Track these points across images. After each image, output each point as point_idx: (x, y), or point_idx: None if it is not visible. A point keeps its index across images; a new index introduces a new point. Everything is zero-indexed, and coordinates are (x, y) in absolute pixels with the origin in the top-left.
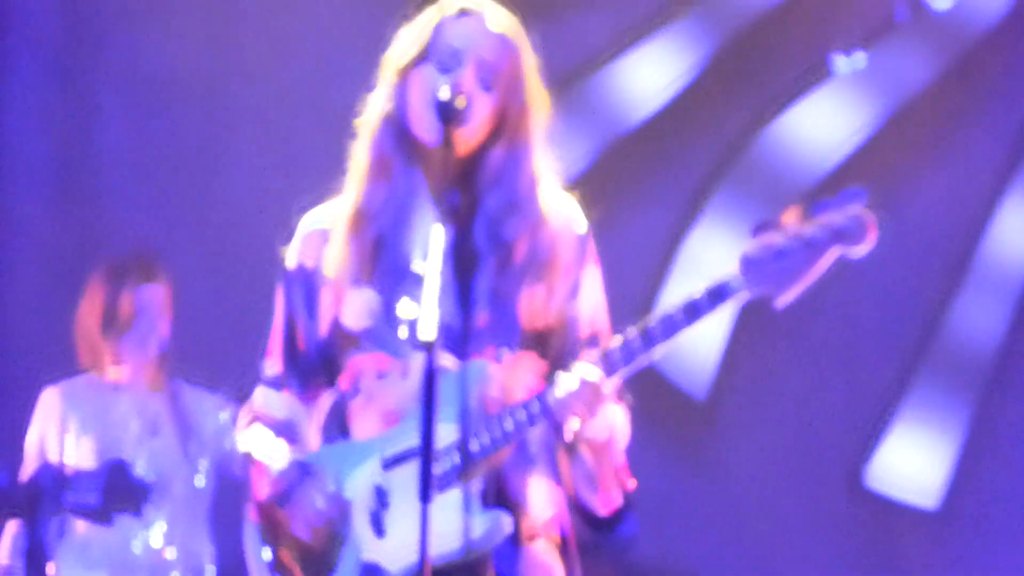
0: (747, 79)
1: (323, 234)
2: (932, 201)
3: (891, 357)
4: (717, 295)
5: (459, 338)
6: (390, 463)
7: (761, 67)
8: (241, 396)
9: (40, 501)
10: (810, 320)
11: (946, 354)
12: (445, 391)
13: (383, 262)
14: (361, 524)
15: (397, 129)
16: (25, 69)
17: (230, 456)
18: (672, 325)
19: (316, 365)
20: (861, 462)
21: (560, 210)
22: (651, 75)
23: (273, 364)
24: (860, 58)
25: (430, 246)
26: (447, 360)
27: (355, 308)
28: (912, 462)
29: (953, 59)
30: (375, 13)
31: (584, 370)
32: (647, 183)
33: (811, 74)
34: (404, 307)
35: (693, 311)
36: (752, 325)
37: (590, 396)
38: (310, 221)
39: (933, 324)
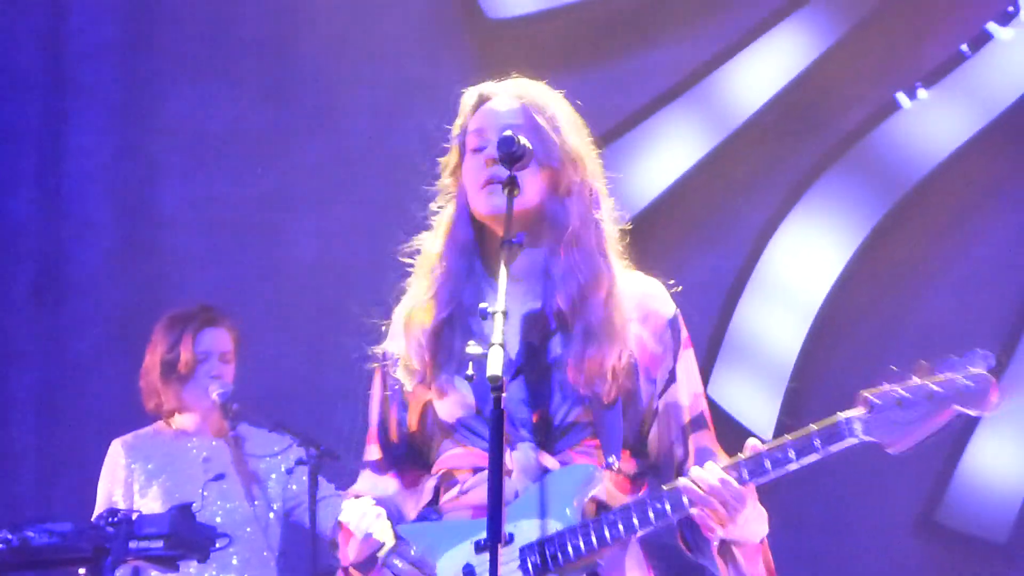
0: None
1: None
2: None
3: None
4: (831, 436)
5: (544, 432)
6: (482, 547)
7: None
8: (305, 441)
9: (106, 549)
10: (881, 353)
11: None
12: (556, 487)
13: (441, 348)
14: None
15: (456, 223)
16: (86, 126)
17: (295, 500)
18: (783, 460)
19: (408, 455)
20: (934, 497)
21: (642, 291)
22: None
23: (373, 450)
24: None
25: (498, 286)
26: (549, 461)
27: (449, 401)
28: (983, 496)
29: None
30: (434, 64)
31: (719, 471)
32: (715, 219)
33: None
34: (471, 347)
35: (805, 449)
36: (815, 362)
37: (729, 497)
38: (398, 312)
39: (1009, 345)
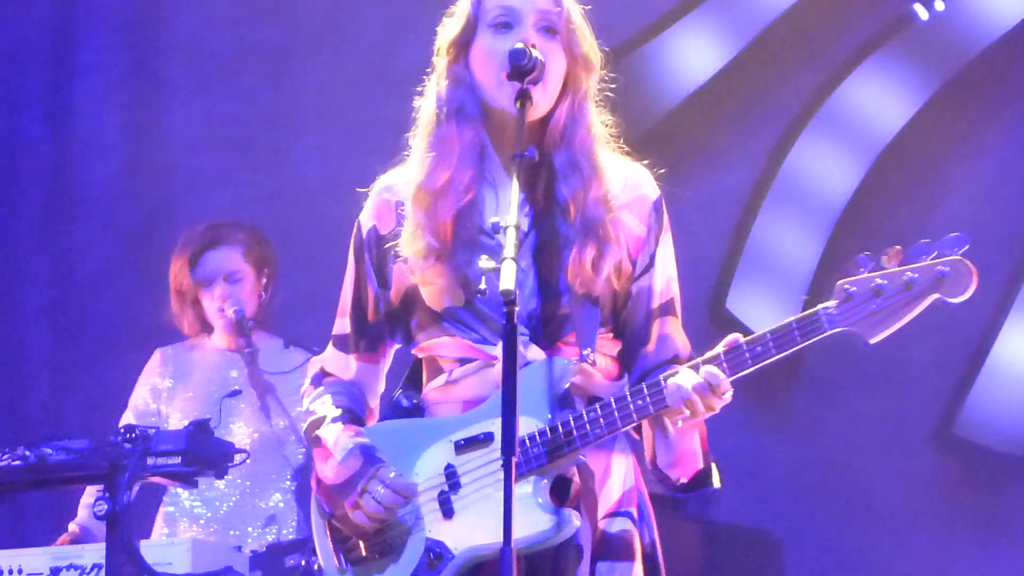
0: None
1: (398, 205)
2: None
3: (978, 308)
4: (810, 329)
5: (541, 325)
6: (463, 446)
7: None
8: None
9: (123, 466)
10: None
11: None
12: (529, 383)
13: (461, 237)
14: (428, 504)
15: (461, 105)
16: (94, 47)
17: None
18: (763, 353)
19: (385, 331)
20: (951, 411)
21: (628, 175)
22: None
23: (342, 324)
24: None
25: (510, 202)
26: (534, 351)
27: (439, 288)
28: (1002, 409)
29: None
30: None
31: (709, 370)
32: (717, 144)
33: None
34: (484, 262)
35: (785, 342)
36: (831, 277)
37: (711, 396)
38: (383, 188)
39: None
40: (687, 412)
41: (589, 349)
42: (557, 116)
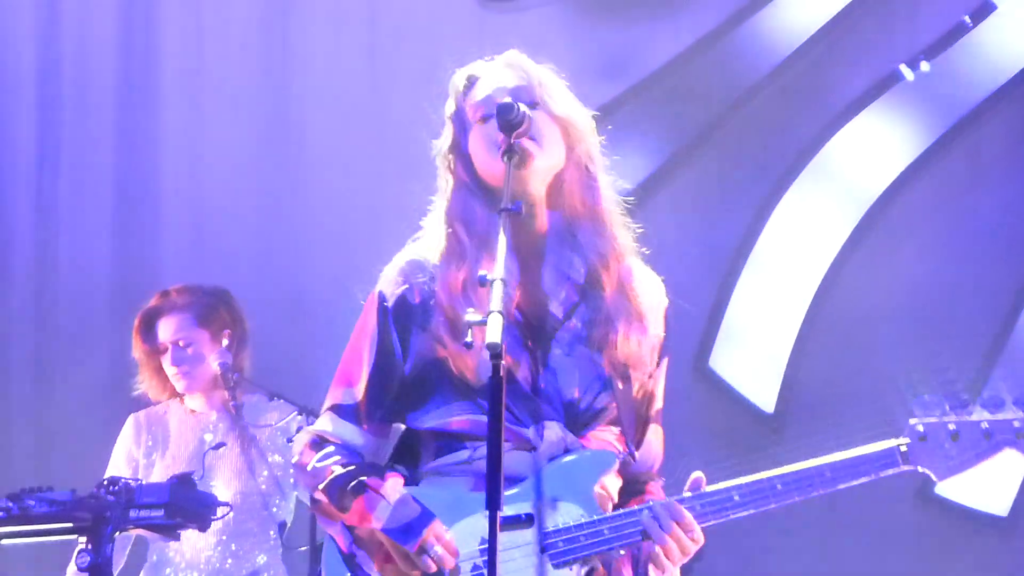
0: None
1: (431, 278)
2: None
3: (963, 361)
4: (885, 462)
5: (578, 413)
6: (503, 522)
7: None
8: (305, 411)
9: (106, 518)
10: (875, 327)
11: (1013, 361)
12: (578, 471)
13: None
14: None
15: (465, 198)
16: (81, 99)
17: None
18: (809, 483)
19: (398, 406)
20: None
21: (643, 270)
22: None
23: (352, 394)
24: (925, 67)
25: (497, 254)
26: (572, 441)
27: (476, 364)
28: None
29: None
30: (431, 25)
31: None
32: (715, 193)
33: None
34: (470, 315)
35: (853, 472)
36: (816, 335)
37: (686, 543)
38: (413, 258)
39: (1008, 321)
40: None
41: (634, 446)
42: (570, 185)
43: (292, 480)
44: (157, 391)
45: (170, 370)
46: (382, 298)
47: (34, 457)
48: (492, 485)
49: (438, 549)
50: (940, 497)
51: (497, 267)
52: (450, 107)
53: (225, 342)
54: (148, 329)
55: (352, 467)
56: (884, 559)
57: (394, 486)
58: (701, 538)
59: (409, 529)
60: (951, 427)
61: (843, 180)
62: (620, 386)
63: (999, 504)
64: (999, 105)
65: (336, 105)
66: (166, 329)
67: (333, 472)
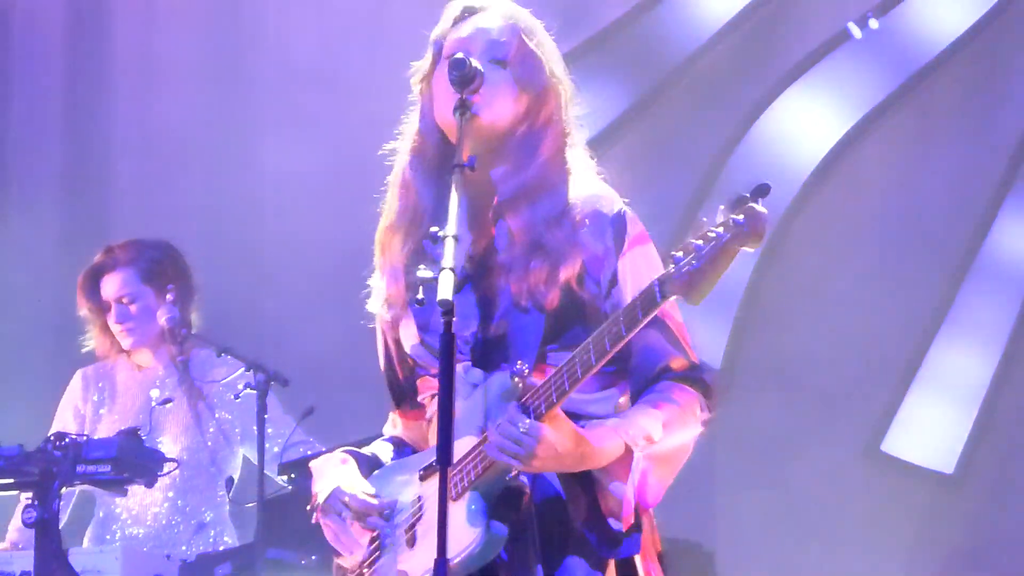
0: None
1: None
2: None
3: (906, 333)
4: (648, 300)
5: (481, 348)
6: (423, 475)
7: (777, 36)
8: (253, 366)
9: (53, 473)
10: (829, 286)
11: (961, 324)
12: (472, 406)
13: (410, 250)
14: (400, 535)
15: (424, 137)
16: (31, 55)
17: (238, 421)
18: (616, 336)
19: (414, 391)
20: (880, 428)
21: (588, 195)
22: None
23: (392, 407)
24: (874, 24)
25: (449, 210)
26: (475, 374)
27: (407, 331)
28: (930, 427)
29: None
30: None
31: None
32: (664, 153)
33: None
34: (422, 271)
35: (632, 323)
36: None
37: (513, 445)
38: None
39: (956, 278)
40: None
41: (522, 362)
42: (511, 143)
43: (239, 437)
44: (105, 347)
45: (115, 327)
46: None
47: None
48: (443, 438)
49: (346, 500)
50: (887, 455)
51: (450, 224)
52: (437, 31)
53: (169, 297)
54: (92, 286)
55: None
56: (833, 518)
57: (326, 461)
58: (537, 433)
59: (320, 504)
60: (693, 242)
61: (792, 136)
62: (519, 306)
63: (944, 461)
64: (949, 61)
65: (288, 55)
66: (110, 286)
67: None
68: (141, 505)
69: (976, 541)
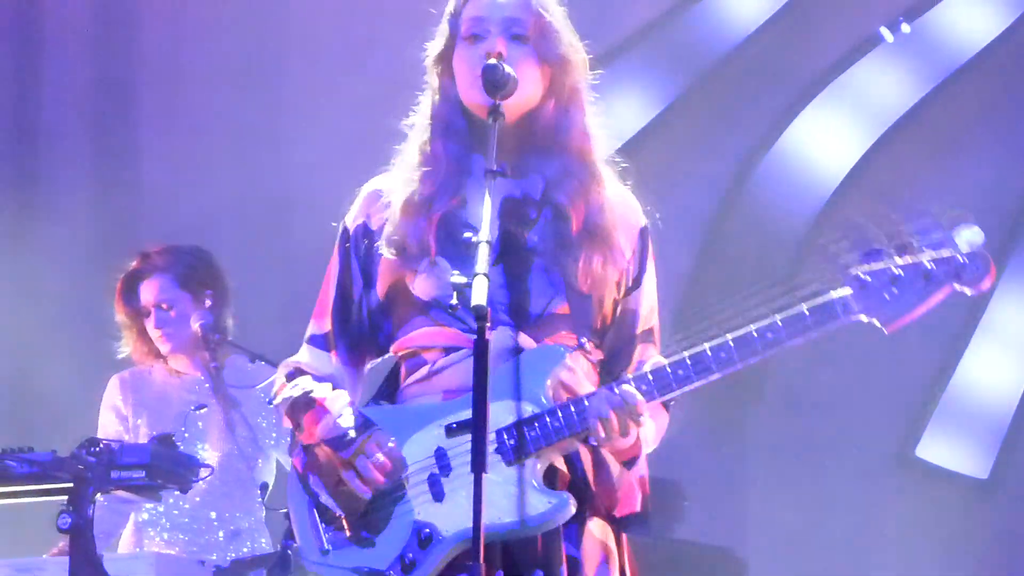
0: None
1: (387, 206)
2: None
3: (939, 339)
4: (826, 315)
5: (531, 318)
6: (455, 429)
7: (806, 41)
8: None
9: (87, 479)
10: None
11: (994, 330)
12: (526, 368)
13: (446, 239)
14: (417, 486)
15: (448, 119)
16: (61, 60)
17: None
18: (754, 345)
19: (366, 336)
20: (913, 433)
21: (620, 194)
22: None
23: (322, 324)
24: (906, 28)
25: (483, 215)
26: (526, 341)
27: (429, 278)
28: (964, 433)
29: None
30: None
31: (627, 392)
32: (690, 158)
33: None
34: (455, 277)
35: (796, 329)
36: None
37: (626, 420)
38: (373, 189)
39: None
40: (601, 433)
41: (586, 338)
42: (544, 122)
43: (273, 442)
44: (142, 354)
45: (153, 333)
46: (344, 229)
47: (14, 418)
48: (477, 443)
49: (379, 456)
50: (921, 460)
51: (483, 229)
52: (449, 8)
53: (207, 303)
54: (130, 292)
55: (300, 393)
56: (866, 524)
57: (338, 398)
58: (645, 419)
59: (345, 437)
60: (895, 271)
61: (821, 144)
62: (578, 292)
63: (979, 466)
64: (981, 66)
65: (315, 57)
66: (148, 292)
67: (292, 398)
68: (176, 511)
69: (1010, 547)
